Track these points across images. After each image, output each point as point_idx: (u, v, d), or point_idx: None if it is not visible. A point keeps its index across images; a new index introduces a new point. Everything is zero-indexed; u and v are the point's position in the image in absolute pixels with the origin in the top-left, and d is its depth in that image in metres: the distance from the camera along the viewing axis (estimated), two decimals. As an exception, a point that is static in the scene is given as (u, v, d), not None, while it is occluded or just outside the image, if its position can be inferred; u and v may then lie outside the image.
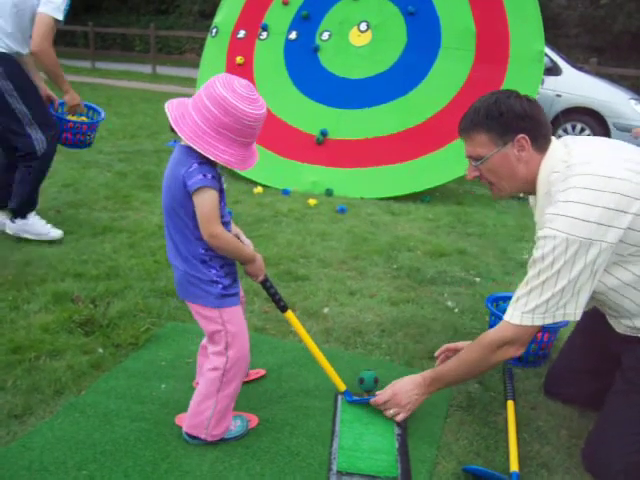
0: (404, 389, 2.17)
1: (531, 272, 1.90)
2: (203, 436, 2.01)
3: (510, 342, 1.96)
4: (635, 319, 1.98)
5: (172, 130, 1.78)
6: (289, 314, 2.21)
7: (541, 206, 1.97)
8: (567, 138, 2.02)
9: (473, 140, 2.01)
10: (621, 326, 2.08)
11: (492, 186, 2.07)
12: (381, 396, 2.20)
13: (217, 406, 1.98)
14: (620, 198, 1.76)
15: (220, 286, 1.92)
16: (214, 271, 1.91)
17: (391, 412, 2.18)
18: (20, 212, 3.72)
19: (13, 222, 3.77)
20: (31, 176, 3.69)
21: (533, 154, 1.96)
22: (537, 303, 1.88)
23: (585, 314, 2.41)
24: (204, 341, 2.15)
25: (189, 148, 1.80)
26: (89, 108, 4.21)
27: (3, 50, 3.43)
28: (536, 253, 1.87)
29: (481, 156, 2.00)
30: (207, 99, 1.73)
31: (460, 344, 2.40)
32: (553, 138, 2.00)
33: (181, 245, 1.89)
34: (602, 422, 2.05)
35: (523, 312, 1.91)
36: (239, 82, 1.75)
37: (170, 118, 1.76)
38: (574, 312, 1.89)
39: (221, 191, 1.87)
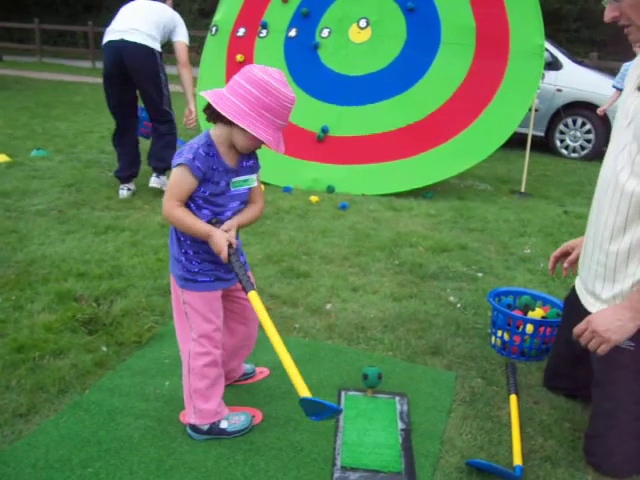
0: (602, 314, 1.91)
1: None
2: (192, 420, 2.05)
3: None
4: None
5: (213, 116, 1.87)
6: (252, 294, 1.98)
7: None
8: None
9: None
10: (588, 299, 2.08)
11: (630, 28, 1.90)
12: (578, 327, 1.96)
13: (191, 386, 2.04)
14: None
15: (184, 269, 2.00)
16: (183, 251, 2.00)
17: (592, 344, 1.90)
18: (165, 170, 5.12)
19: (159, 177, 5.12)
20: (173, 142, 5.13)
21: None
22: None
23: (567, 303, 2.40)
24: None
25: (207, 134, 1.92)
26: None
27: (160, 50, 4.85)
28: None
29: None
30: (247, 83, 1.81)
31: (571, 243, 2.37)
32: None
33: None
34: (593, 416, 2.06)
35: None
36: (272, 69, 1.84)
37: (211, 101, 1.83)
38: None
39: (210, 181, 1.92)
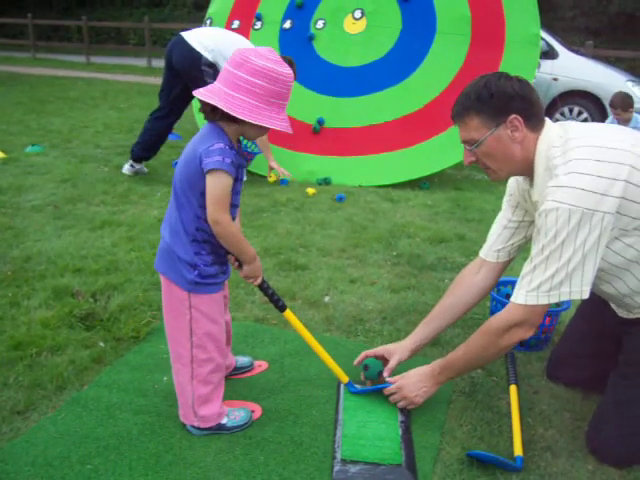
0: (411, 382, 2.17)
1: (535, 249, 1.86)
2: (196, 424, 2.02)
3: (518, 324, 1.91)
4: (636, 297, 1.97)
5: (218, 115, 1.79)
6: (288, 313, 2.15)
7: (541, 183, 1.92)
8: (559, 122, 2.00)
9: (466, 125, 1.97)
10: (622, 310, 2.08)
11: (489, 170, 2.03)
12: (389, 389, 2.21)
13: (195, 393, 2.00)
14: (619, 167, 1.75)
15: (199, 274, 1.89)
16: (196, 252, 1.89)
17: (400, 404, 2.19)
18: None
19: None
20: None
21: (527, 134, 1.92)
22: (541, 280, 1.82)
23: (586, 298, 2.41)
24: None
25: (220, 128, 1.82)
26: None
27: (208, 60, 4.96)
28: (538, 228, 1.84)
29: (475, 140, 1.95)
30: (251, 76, 1.74)
31: (380, 350, 2.38)
32: (546, 119, 1.97)
33: (179, 218, 1.88)
34: (604, 404, 2.05)
35: (527, 291, 1.86)
36: (263, 50, 1.78)
37: (222, 107, 1.74)
38: (580, 289, 1.81)
39: (236, 179, 1.87)
